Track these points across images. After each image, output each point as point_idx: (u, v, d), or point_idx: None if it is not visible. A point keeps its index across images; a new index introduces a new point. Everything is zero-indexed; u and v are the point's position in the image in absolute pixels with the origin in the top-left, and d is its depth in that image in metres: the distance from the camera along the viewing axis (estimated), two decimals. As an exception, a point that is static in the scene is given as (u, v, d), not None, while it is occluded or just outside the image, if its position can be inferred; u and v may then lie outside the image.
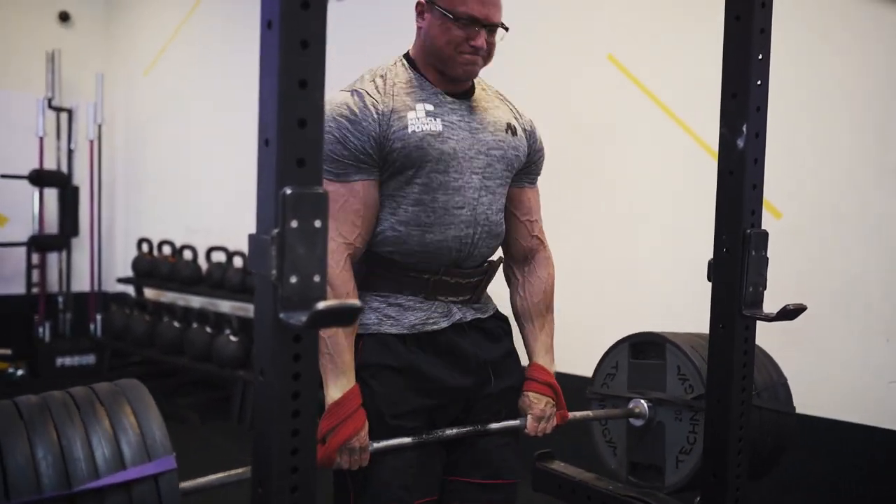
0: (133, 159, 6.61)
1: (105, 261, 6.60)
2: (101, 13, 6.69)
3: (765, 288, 1.75)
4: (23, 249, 6.10)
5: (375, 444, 1.63)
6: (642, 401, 2.17)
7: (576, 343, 3.35)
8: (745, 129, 1.72)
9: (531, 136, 1.88)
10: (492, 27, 1.70)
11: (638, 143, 3.47)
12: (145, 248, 5.91)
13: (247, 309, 5.21)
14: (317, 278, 1.11)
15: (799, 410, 2.91)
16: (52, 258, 6.32)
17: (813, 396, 2.90)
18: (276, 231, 1.08)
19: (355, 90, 1.68)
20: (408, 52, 1.80)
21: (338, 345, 1.61)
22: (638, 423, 2.19)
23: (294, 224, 1.09)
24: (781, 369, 2.29)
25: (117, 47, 6.66)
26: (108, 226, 6.70)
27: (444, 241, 1.72)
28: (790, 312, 1.67)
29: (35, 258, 6.16)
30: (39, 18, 6.34)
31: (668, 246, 3.35)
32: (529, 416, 1.85)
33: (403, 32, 4.14)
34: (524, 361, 1.93)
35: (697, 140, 3.24)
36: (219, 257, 5.44)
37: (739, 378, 1.76)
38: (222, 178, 5.58)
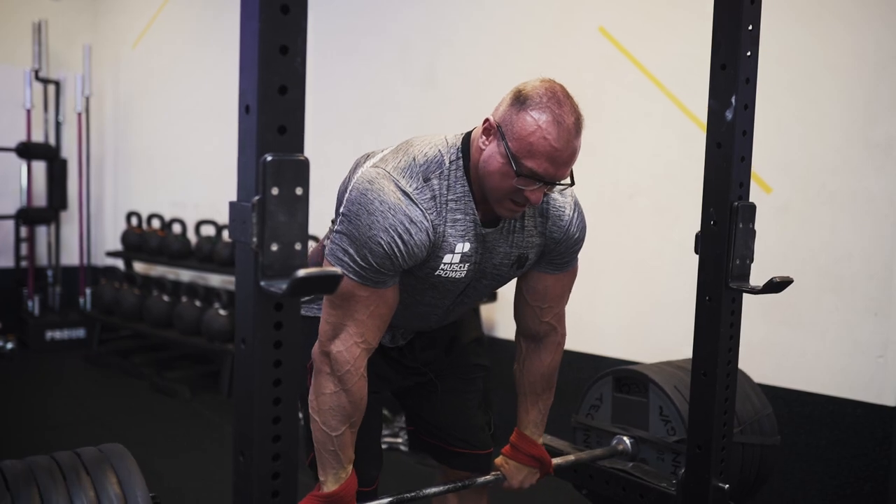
0: (122, 132, 6.56)
1: (94, 234, 6.57)
2: (89, -16, 6.61)
3: (752, 261, 1.75)
4: (11, 223, 6.06)
5: None
6: (626, 438, 2.21)
7: (567, 318, 3.36)
8: (733, 100, 1.71)
9: (561, 239, 1.72)
10: (556, 184, 1.54)
11: (629, 117, 3.45)
12: (134, 221, 5.88)
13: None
14: (298, 246, 1.10)
15: (788, 385, 2.94)
16: (41, 231, 6.28)
17: (801, 372, 2.91)
18: (256, 198, 1.07)
19: (411, 198, 1.52)
20: (467, 142, 1.61)
21: (345, 443, 1.61)
22: (622, 460, 2.22)
23: (275, 191, 1.07)
24: (766, 399, 2.32)
25: (105, 19, 6.58)
26: (97, 199, 6.67)
27: (406, 324, 1.80)
28: (777, 285, 1.67)
29: (24, 231, 6.12)
30: (26, -12, 6.26)
31: (658, 221, 3.34)
32: (507, 482, 1.91)
33: (398, 20, 4.03)
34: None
35: (689, 114, 3.22)
36: (208, 231, 5.42)
37: (725, 350, 1.77)
38: (211, 152, 5.55)
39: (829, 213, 2.86)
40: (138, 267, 6.09)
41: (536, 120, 1.47)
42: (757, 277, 1.76)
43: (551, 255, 1.74)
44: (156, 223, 5.79)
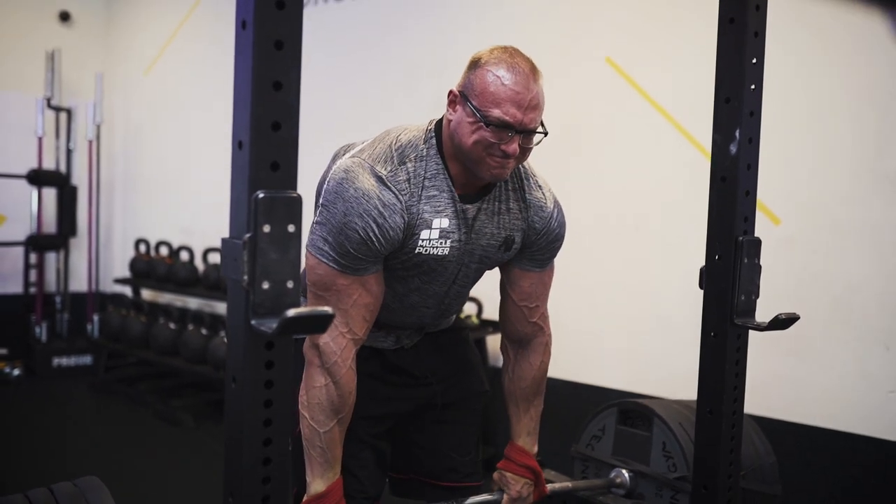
0: (131, 159, 6.59)
1: (103, 261, 6.58)
2: (102, 13, 6.67)
3: (757, 296, 1.72)
4: (21, 249, 6.08)
5: None
6: (624, 471, 2.18)
7: (570, 349, 3.33)
8: (737, 134, 1.69)
9: (542, 231, 1.75)
10: (527, 133, 1.57)
11: (635, 146, 3.44)
12: (142, 248, 5.89)
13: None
14: (290, 284, 1.08)
15: (797, 420, 2.89)
16: (50, 258, 6.30)
17: (811, 406, 2.87)
18: (248, 235, 1.06)
19: (384, 181, 1.56)
20: (440, 123, 1.66)
21: (332, 440, 1.60)
22: (619, 492, 2.18)
23: (266, 229, 1.06)
24: (771, 447, 2.28)
25: (117, 47, 6.64)
26: (106, 226, 6.69)
27: (403, 320, 1.79)
28: (782, 322, 1.64)
29: (33, 258, 6.14)
30: (40, 18, 6.32)
31: (664, 251, 3.32)
32: (506, 496, 1.87)
33: (400, 29, 4.08)
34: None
35: (695, 144, 3.21)
36: (215, 258, 5.42)
37: (731, 388, 1.73)
38: (219, 179, 5.54)
39: (838, 245, 2.84)
40: (146, 294, 6.09)
41: (492, 71, 1.54)
42: (765, 309, 1.73)
43: (533, 250, 1.77)
44: (164, 250, 5.79)
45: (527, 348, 1.86)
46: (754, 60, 1.68)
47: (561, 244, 1.81)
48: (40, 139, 5.96)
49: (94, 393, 5.40)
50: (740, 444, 1.78)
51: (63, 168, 6.16)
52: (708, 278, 1.74)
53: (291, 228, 1.08)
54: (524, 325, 1.83)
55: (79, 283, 6.37)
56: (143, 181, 6.48)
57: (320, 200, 1.58)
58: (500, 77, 1.53)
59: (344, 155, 1.69)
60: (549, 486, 1.94)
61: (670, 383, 3.07)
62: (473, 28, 3.98)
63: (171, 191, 6.18)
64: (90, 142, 6.14)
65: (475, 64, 1.59)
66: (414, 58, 4.30)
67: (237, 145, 1.09)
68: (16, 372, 5.67)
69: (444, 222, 1.62)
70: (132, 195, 6.61)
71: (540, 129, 1.59)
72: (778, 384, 2.94)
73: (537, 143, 1.61)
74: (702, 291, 1.76)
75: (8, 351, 5.78)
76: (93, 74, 6.22)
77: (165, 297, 6.00)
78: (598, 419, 2.33)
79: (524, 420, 1.89)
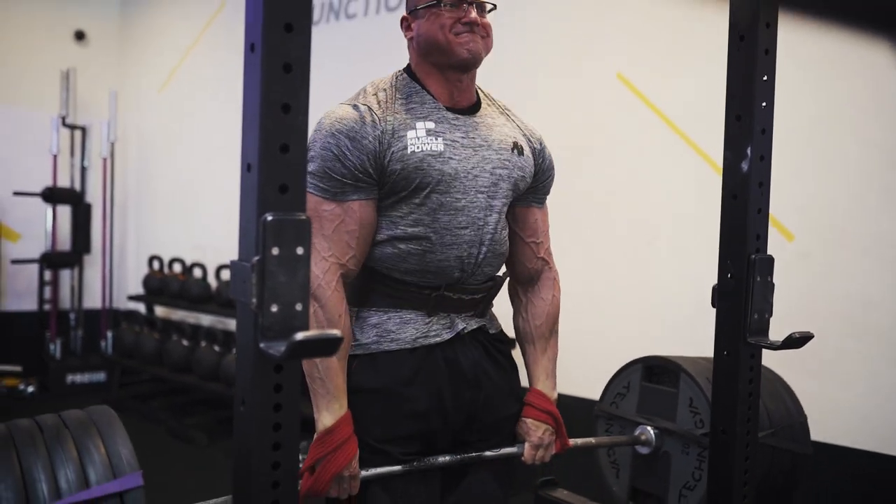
0: (145, 176, 6.64)
1: (117, 278, 6.61)
2: (116, 31, 6.74)
3: (770, 315, 1.71)
4: (35, 266, 6.12)
5: (365, 473, 1.60)
6: (649, 428, 2.13)
7: (580, 364, 3.31)
8: (749, 151, 1.68)
9: (540, 154, 1.82)
10: (480, 5, 1.67)
11: (647, 161, 3.43)
12: (156, 265, 5.91)
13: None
14: (298, 307, 1.08)
15: (812, 437, 2.86)
16: (65, 275, 6.33)
17: (824, 423, 2.83)
18: (256, 258, 1.06)
19: (356, 104, 1.63)
20: (408, 65, 1.75)
21: (329, 368, 1.56)
22: (644, 450, 2.14)
23: (275, 251, 1.06)
24: (801, 405, 2.23)
25: (131, 65, 6.70)
26: (120, 243, 6.72)
27: (446, 260, 1.66)
28: (796, 341, 1.62)
29: (48, 275, 6.17)
30: (55, 37, 6.38)
31: (676, 266, 3.30)
32: (527, 444, 1.80)
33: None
34: (524, 381, 1.88)
35: (707, 159, 3.20)
36: (228, 275, 5.43)
37: (745, 408, 1.71)
38: (233, 197, 5.54)
39: (852, 261, 2.81)
40: (159, 311, 6.11)
41: None
42: (779, 325, 1.71)
43: (534, 183, 1.81)
44: (177, 267, 5.81)
45: (537, 285, 1.87)
46: (765, 78, 1.67)
47: (553, 177, 1.88)
48: (55, 157, 6.00)
49: (107, 410, 5.40)
50: (755, 464, 1.76)
51: (77, 185, 6.20)
52: (720, 297, 1.72)
53: (300, 251, 1.08)
54: (533, 262, 1.85)
55: (93, 300, 6.39)
56: (157, 198, 6.52)
57: None
58: None
59: None
60: (572, 441, 1.89)
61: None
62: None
63: (184, 208, 6.21)
64: (104, 159, 6.19)
65: None
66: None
67: (246, 167, 1.09)
68: (30, 389, 5.69)
69: (430, 124, 1.65)
70: (146, 212, 6.64)
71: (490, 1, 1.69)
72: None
73: (490, 11, 1.70)
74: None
75: (22, 368, 5.80)
76: (107, 93, 6.26)
77: (178, 314, 6.02)
78: (622, 376, 2.28)
79: (542, 361, 1.86)
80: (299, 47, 1.08)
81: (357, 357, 1.67)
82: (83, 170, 6.22)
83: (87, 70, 6.41)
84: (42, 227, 6.13)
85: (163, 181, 6.45)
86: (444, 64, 1.67)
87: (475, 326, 1.75)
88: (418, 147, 1.62)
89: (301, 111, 1.08)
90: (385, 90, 1.67)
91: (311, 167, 1.59)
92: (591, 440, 2.07)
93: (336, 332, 1.02)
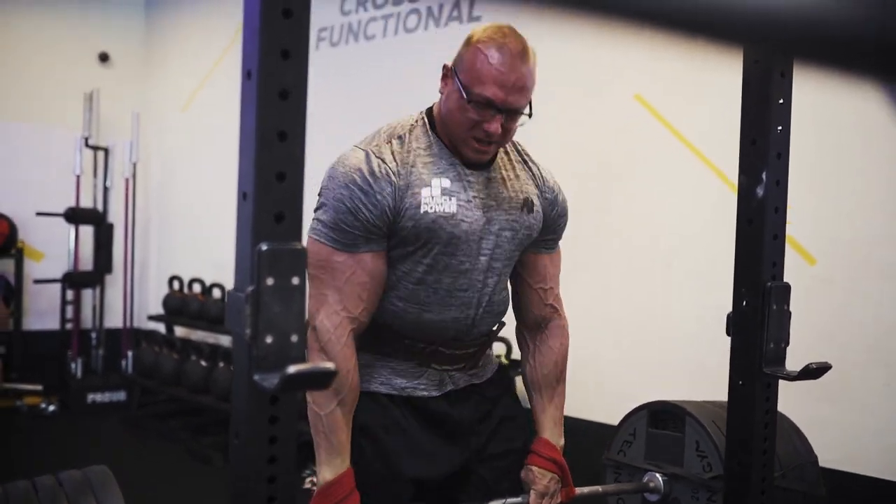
0: (167, 197, 6.68)
1: (138, 297, 6.64)
2: (140, 53, 6.82)
3: (787, 344, 1.66)
4: (58, 285, 6.16)
5: None
6: (658, 475, 2.10)
7: (594, 388, 3.26)
8: (764, 176, 1.64)
9: (552, 203, 1.77)
10: (511, 112, 1.58)
11: (666, 183, 3.39)
12: (176, 285, 5.93)
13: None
14: (294, 338, 1.05)
15: (833, 466, 2.79)
16: (87, 294, 6.37)
17: (847, 452, 2.77)
18: (251, 288, 1.04)
19: (370, 153, 1.58)
20: (431, 108, 1.70)
21: (334, 424, 1.55)
22: (653, 497, 2.11)
23: (270, 282, 1.04)
24: (812, 446, 2.18)
25: (154, 87, 6.77)
26: (141, 263, 6.76)
27: (443, 321, 1.68)
28: (813, 372, 1.58)
29: (70, 294, 6.22)
30: (80, 59, 6.47)
31: (695, 291, 3.25)
32: (532, 492, 1.77)
33: (420, 71, 4.07)
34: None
35: (726, 181, 3.15)
36: (247, 296, 5.43)
37: (760, 440, 1.66)
38: (253, 217, 5.59)
39: (875, 286, 2.75)
40: (179, 331, 6.12)
41: (481, 49, 1.55)
42: (799, 352, 1.67)
43: (544, 231, 1.77)
44: (196, 287, 5.83)
45: (545, 332, 1.83)
46: (781, 101, 1.64)
47: (566, 222, 1.82)
48: (78, 177, 6.07)
49: (126, 429, 5.42)
50: (772, 496, 1.71)
51: (100, 206, 6.26)
52: (735, 326, 1.68)
53: (296, 281, 1.06)
54: (541, 309, 1.81)
55: (114, 320, 6.43)
56: (178, 218, 6.55)
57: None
58: (488, 56, 1.54)
59: None
60: (577, 490, 1.85)
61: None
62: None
63: (204, 228, 6.24)
64: (126, 180, 6.24)
65: (468, 40, 1.59)
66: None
67: (242, 196, 1.08)
68: (51, 408, 5.72)
69: (446, 182, 1.61)
70: (167, 232, 6.69)
71: (525, 110, 1.60)
72: (813, 429, 2.83)
73: (521, 125, 1.64)
74: (732, 333, 1.70)
75: (44, 386, 5.83)
76: (130, 114, 6.33)
77: (198, 335, 6.03)
78: (628, 423, 2.25)
79: (549, 410, 1.82)
80: (296, 74, 1.06)
81: None
82: (105, 190, 6.28)
83: (111, 91, 6.47)
84: (65, 246, 6.19)
85: (184, 201, 6.48)
86: (454, 142, 1.64)
87: (464, 385, 1.76)
88: (431, 207, 1.59)
89: (298, 139, 1.07)
90: (401, 137, 1.63)
91: (323, 216, 1.56)
92: (598, 488, 2.01)
93: (330, 365, 1.00)
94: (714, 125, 3.22)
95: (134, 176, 6.27)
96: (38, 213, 5.93)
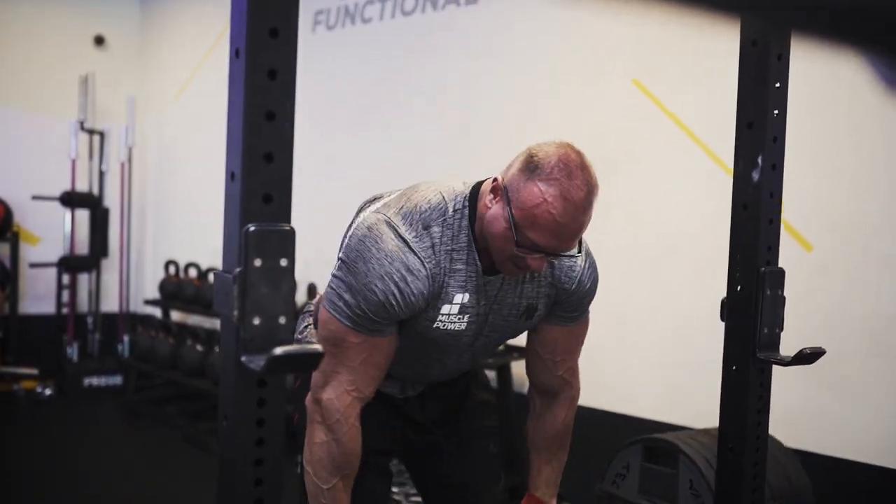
0: (163, 181, 6.66)
1: (134, 282, 6.63)
2: (136, 37, 6.78)
3: (781, 329, 1.65)
4: (54, 269, 6.15)
5: None
6: None
7: (598, 377, 3.25)
8: (760, 160, 1.63)
9: (570, 292, 1.65)
10: (560, 256, 1.51)
11: (663, 169, 3.37)
12: (172, 270, 5.92)
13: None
14: (282, 320, 1.04)
15: (832, 454, 2.79)
16: (83, 279, 6.36)
17: (845, 440, 2.77)
18: (238, 269, 1.02)
19: (409, 244, 1.47)
20: (476, 192, 1.55)
21: (336, 498, 1.55)
22: None
23: (258, 263, 1.03)
24: (805, 474, 2.18)
25: (150, 70, 6.73)
26: (137, 247, 6.75)
27: (414, 376, 1.75)
28: (807, 357, 1.57)
29: (66, 278, 6.21)
30: (75, 42, 6.43)
31: (694, 278, 3.24)
32: None
33: (425, 56, 4.03)
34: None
35: (725, 168, 3.14)
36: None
37: (753, 425, 1.66)
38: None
39: (873, 273, 2.74)
40: (175, 315, 6.11)
41: (543, 192, 1.40)
42: (796, 340, 1.66)
43: (561, 308, 1.67)
44: (192, 272, 5.82)
45: (552, 401, 1.79)
46: (777, 85, 1.62)
47: (592, 297, 1.70)
48: (74, 161, 6.05)
49: (123, 414, 5.42)
50: (764, 483, 1.71)
51: (95, 190, 6.24)
52: (729, 311, 1.67)
53: (284, 262, 1.04)
54: (549, 378, 1.76)
55: (110, 304, 6.42)
56: (174, 203, 6.54)
57: (340, 254, 1.52)
58: (549, 202, 1.39)
59: (368, 207, 1.62)
60: None
61: (703, 414, 2.99)
62: (502, 53, 3.95)
63: (201, 212, 6.22)
64: (122, 164, 6.22)
65: (530, 168, 1.43)
66: (440, 85, 4.29)
67: (230, 176, 1.06)
68: (48, 392, 5.72)
69: (466, 297, 1.54)
70: (163, 216, 6.67)
71: (573, 251, 1.50)
72: (812, 417, 2.84)
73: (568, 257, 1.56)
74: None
75: (39, 370, 5.83)
76: (125, 98, 6.30)
77: (194, 319, 6.02)
78: (621, 456, 2.26)
79: (545, 471, 1.81)
80: (285, 53, 1.04)
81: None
82: (101, 174, 6.25)
83: (107, 75, 6.44)
84: (61, 231, 6.17)
85: (180, 186, 6.46)
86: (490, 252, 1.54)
87: (423, 388, 1.82)
88: (444, 325, 1.56)
89: (286, 119, 1.05)
90: (439, 227, 1.51)
91: (346, 295, 1.47)
92: None
93: (317, 347, 0.99)
94: (713, 112, 3.19)
95: (130, 160, 6.25)
96: (34, 197, 5.91)
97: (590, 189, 1.43)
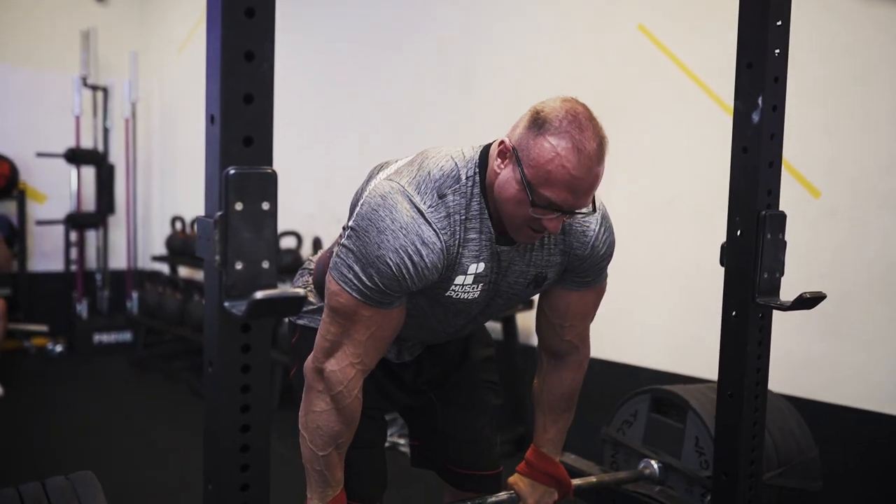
0: (168, 137, 6.63)
1: (141, 238, 6.65)
2: (136, -10, 6.70)
3: (782, 274, 1.63)
4: (61, 227, 6.16)
5: None
6: (654, 462, 2.10)
7: (603, 326, 3.24)
8: (760, 101, 1.60)
9: (582, 258, 1.60)
10: (576, 213, 1.44)
11: (669, 117, 3.32)
12: (178, 226, 5.92)
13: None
14: (265, 264, 1.03)
15: (835, 401, 2.78)
16: (90, 236, 6.38)
17: (849, 387, 2.76)
18: (219, 213, 1.01)
19: (424, 215, 1.42)
20: (485, 154, 1.50)
21: (331, 463, 1.55)
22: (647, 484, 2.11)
23: (239, 206, 1.01)
24: (813, 439, 2.15)
25: (151, 26, 6.66)
26: (144, 203, 6.75)
27: (415, 337, 1.73)
28: (807, 301, 1.55)
29: (73, 236, 6.22)
30: (76, -3, 6.36)
31: (699, 225, 3.21)
32: (522, 501, 1.80)
33: (436, 18, 3.90)
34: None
35: (731, 113, 3.08)
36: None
37: (753, 370, 1.65)
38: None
39: (881, 218, 2.70)
40: (183, 271, 6.13)
41: (555, 146, 1.36)
42: (802, 286, 1.63)
43: (574, 273, 1.63)
44: (199, 228, 5.82)
45: (560, 362, 1.76)
46: (779, 23, 1.58)
47: (608, 262, 1.66)
48: (77, 118, 6.02)
49: (132, 369, 5.47)
50: (763, 429, 1.70)
51: (100, 147, 6.22)
52: (729, 255, 1.65)
53: (266, 206, 1.02)
54: (556, 342, 1.73)
55: (118, 261, 6.45)
56: (180, 158, 6.51)
57: (350, 223, 1.47)
58: (562, 156, 1.35)
59: (378, 174, 1.57)
60: (574, 481, 1.87)
61: (708, 362, 2.98)
62: (504, 1, 3.88)
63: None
64: (126, 120, 6.19)
65: (538, 124, 1.39)
66: (443, 33, 4.22)
67: (209, 119, 1.04)
68: (58, 349, 5.78)
69: (480, 267, 1.50)
70: (169, 172, 6.65)
71: (588, 208, 1.44)
72: (815, 364, 2.83)
73: (583, 216, 1.51)
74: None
75: (50, 328, 5.88)
76: (128, 53, 6.24)
77: (201, 275, 6.04)
78: (630, 404, 2.25)
79: (551, 431, 1.80)
80: (263, -10, 1.01)
81: (301, 328, 1.74)
82: (105, 131, 6.22)
83: (108, 30, 6.38)
84: (67, 188, 6.17)
85: (185, 141, 6.43)
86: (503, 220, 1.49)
87: (420, 351, 1.81)
88: (457, 294, 1.53)
89: (266, 59, 1.02)
90: (453, 195, 1.46)
91: (355, 265, 1.42)
92: (594, 478, 2.00)
93: (300, 291, 0.97)
94: (719, 57, 3.13)
95: (134, 116, 6.22)
96: (39, 154, 5.90)
97: (601, 141, 1.39)
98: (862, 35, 2.73)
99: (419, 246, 1.40)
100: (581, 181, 1.36)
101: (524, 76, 3.78)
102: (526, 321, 3.86)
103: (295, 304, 0.97)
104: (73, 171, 6.11)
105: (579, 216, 1.53)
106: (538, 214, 1.39)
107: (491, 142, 1.51)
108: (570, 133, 1.36)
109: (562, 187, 1.36)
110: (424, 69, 4.34)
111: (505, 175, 1.42)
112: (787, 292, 1.63)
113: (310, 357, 1.52)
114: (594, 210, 1.46)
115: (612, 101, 3.50)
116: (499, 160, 1.44)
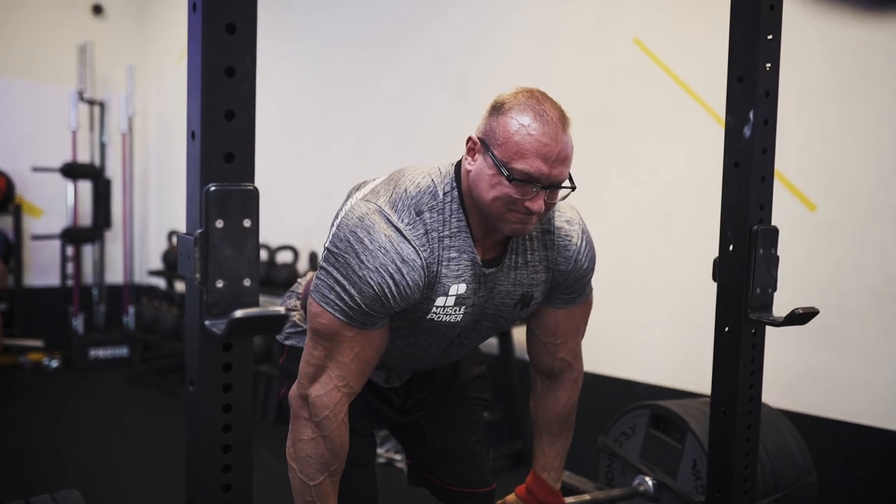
0: (164, 151, 6.62)
1: (138, 253, 6.63)
2: (134, 5, 6.70)
3: (774, 289, 1.62)
4: (58, 241, 6.14)
5: None
6: (649, 480, 2.08)
7: (601, 341, 3.23)
8: (751, 115, 1.59)
9: (566, 273, 1.60)
10: (554, 187, 1.42)
11: (665, 129, 3.31)
12: (175, 240, 5.91)
13: (272, 303, 5.16)
14: (246, 282, 1.02)
15: (831, 415, 2.76)
16: (87, 250, 6.36)
17: (847, 401, 2.74)
18: (199, 231, 1.00)
19: (402, 233, 1.41)
20: (459, 178, 1.49)
21: (323, 493, 1.52)
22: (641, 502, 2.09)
23: (220, 224, 1.00)
24: (812, 461, 2.13)
25: (149, 39, 6.67)
26: (140, 218, 6.74)
27: (400, 365, 1.71)
28: (799, 317, 1.53)
29: (69, 250, 6.20)
30: (73, 11, 6.36)
31: (697, 237, 3.19)
32: None
33: (428, 9, 3.91)
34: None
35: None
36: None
37: (746, 387, 1.63)
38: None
39: (879, 230, 2.69)
40: (180, 286, 6.11)
41: (518, 119, 1.39)
42: (799, 299, 1.62)
43: (559, 290, 1.62)
44: (196, 242, 5.81)
45: (554, 382, 1.75)
46: (770, 36, 1.58)
47: (591, 275, 1.65)
48: (74, 132, 6.01)
49: (129, 384, 5.44)
50: (757, 444, 1.69)
51: (97, 161, 6.21)
52: (721, 270, 1.64)
53: (247, 223, 1.01)
54: (549, 361, 1.71)
55: (115, 276, 6.43)
56: (176, 171, 6.50)
57: (327, 244, 1.46)
58: (526, 126, 1.37)
59: (355, 194, 1.56)
60: (567, 500, 1.85)
61: (705, 377, 2.96)
62: (504, 8, 3.88)
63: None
64: (123, 134, 6.18)
65: (497, 109, 1.43)
66: (441, 41, 4.22)
67: (190, 135, 1.03)
68: (54, 363, 5.75)
69: (462, 288, 1.48)
70: (166, 187, 6.64)
71: (567, 183, 1.43)
72: (813, 378, 2.81)
73: (563, 198, 1.47)
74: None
75: (45, 343, 5.86)
76: (125, 67, 6.24)
77: (198, 289, 6.02)
78: (629, 416, 2.22)
79: (549, 454, 1.79)
80: (244, 6, 1.01)
81: (289, 348, 1.72)
82: (102, 145, 6.22)
83: (105, 44, 6.39)
84: (63, 202, 6.16)
85: (182, 155, 6.39)
86: (487, 221, 1.47)
87: (408, 377, 1.80)
88: (438, 317, 1.51)
89: (247, 75, 1.01)
90: (430, 212, 1.45)
91: (336, 286, 1.41)
92: (587, 496, 1.97)
93: (280, 309, 0.96)
94: (714, 71, 3.13)
95: (130, 130, 6.21)
96: (35, 169, 5.89)
97: (562, 112, 1.42)
98: (857, 42, 2.73)
99: (399, 264, 1.40)
100: (550, 147, 1.38)
101: (521, 83, 3.77)
102: (523, 336, 3.84)
103: (276, 323, 0.95)
104: (70, 185, 6.10)
105: (562, 222, 1.56)
106: (517, 194, 1.38)
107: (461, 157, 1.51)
108: (530, 105, 1.40)
109: (534, 156, 1.37)
110: (421, 78, 4.34)
111: (477, 167, 1.43)
112: (785, 306, 1.62)
113: (294, 385, 1.50)
114: (574, 188, 1.45)
115: (608, 114, 3.50)
116: (468, 158, 1.46)
